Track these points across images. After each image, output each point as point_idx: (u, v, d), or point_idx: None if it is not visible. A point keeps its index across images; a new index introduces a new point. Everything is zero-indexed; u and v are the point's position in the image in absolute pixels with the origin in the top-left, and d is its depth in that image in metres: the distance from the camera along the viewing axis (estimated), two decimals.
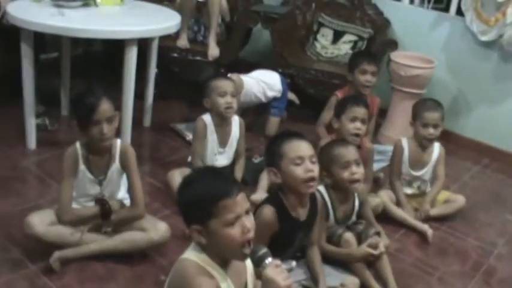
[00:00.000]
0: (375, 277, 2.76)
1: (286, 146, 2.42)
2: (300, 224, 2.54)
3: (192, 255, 1.88)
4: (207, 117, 3.47)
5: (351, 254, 2.76)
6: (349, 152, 2.82)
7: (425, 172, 3.54)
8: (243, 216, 1.81)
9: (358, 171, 2.78)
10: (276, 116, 4.39)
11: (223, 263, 1.89)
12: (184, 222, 1.87)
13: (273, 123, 4.38)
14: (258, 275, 1.90)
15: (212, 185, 1.83)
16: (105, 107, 2.62)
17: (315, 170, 2.41)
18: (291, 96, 4.56)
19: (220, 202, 1.77)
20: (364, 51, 4.72)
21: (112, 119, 2.67)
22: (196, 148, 3.44)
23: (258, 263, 1.82)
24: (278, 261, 1.82)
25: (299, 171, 2.39)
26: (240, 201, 1.81)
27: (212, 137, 3.48)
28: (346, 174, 2.77)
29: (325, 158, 2.83)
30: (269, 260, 1.81)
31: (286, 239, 2.54)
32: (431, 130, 3.41)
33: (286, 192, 2.49)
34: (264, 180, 3.42)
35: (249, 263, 1.94)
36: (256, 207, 2.52)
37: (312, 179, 2.40)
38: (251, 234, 1.82)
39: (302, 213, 2.54)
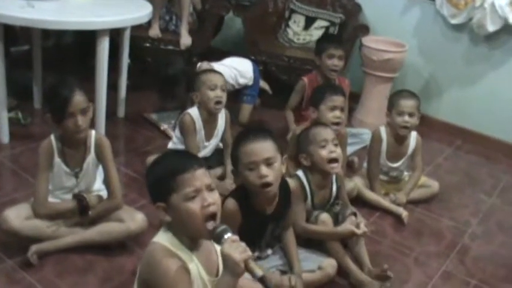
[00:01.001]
0: (352, 259, 2.79)
1: (240, 150, 2.35)
2: (266, 217, 2.50)
3: (159, 237, 1.91)
4: (194, 112, 3.39)
5: (335, 232, 2.76)
6: (327, 132, 2.84)
7: (402, 163, 3.56)
8: (204, 191, 1.84)
9: (336, 150, 2.79)
10: (248, 103, 4.39)
11: (192, 245, 1.91)
12: (152, 203, 1.92)
13: (246, 111, 4.38)
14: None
15: (172, 161, 1.91)
16: (79, 98, 2.61)
17: (270, 174, 2.31)
18: (264, 85, 4.57)
19: (179, 176, 1.82)
20: (331, 36, 4.74)
21: (86, 111, 2.65)
22: (190, 144, 3.34)
23: (218, 240, 1.83)
24: (236, 236, 1.82)
25: (252, 177, 2.32)
26: (200, 176, 1.84)
27: (200, 133, 3.42)
28: (324, 153, 2.77)
29: (304, 140, 2.85)
30: (228, 235, 1.81)
31: (254, 231, 2.51)
32: (406, 118, 3.40)
33: (250, 191, 2.43)
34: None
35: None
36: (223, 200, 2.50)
37: (266, 185, 2.32)
38: (212, 209, 1.83)
39: (269, 207, 2.49)
